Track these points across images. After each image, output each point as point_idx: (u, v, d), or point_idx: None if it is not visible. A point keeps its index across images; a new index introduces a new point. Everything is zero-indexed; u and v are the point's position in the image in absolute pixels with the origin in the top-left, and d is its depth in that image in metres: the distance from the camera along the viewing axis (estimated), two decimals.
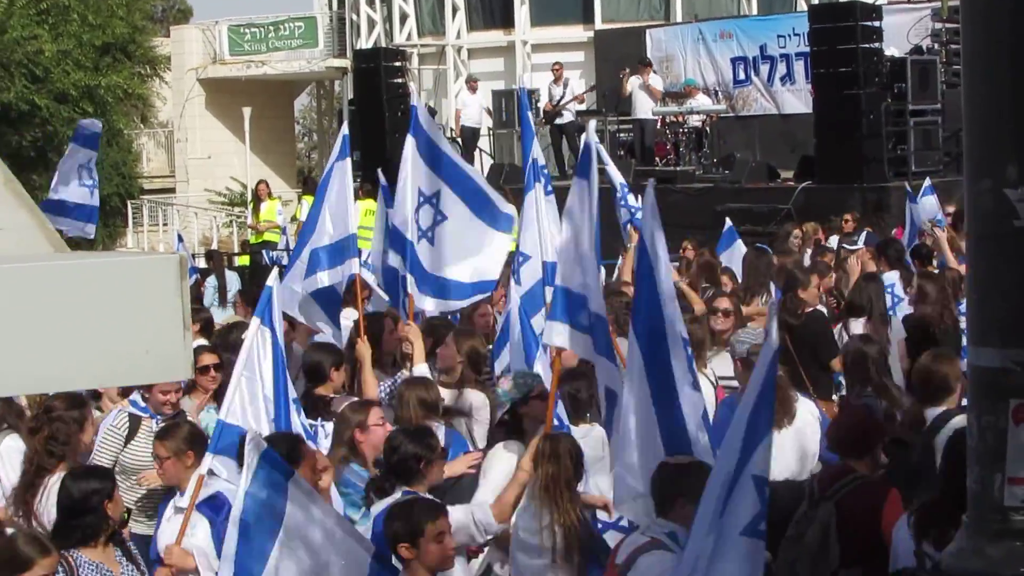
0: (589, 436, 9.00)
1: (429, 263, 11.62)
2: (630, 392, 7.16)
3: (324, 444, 9.18)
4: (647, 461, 6.99)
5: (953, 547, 4.84)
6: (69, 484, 7.54)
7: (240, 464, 7.32)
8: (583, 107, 29.89)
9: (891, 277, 13.84)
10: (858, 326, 12.22)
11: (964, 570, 4.75)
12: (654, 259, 7.21)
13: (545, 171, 12.02)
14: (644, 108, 27.41)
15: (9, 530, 8.09)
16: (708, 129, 27.15)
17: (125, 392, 10.11)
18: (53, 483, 8.27)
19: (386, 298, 12.51)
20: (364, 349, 10.86)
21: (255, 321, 8.85)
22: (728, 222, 17.08)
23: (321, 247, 11.77)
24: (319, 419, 9.72)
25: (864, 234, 18.45)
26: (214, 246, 37.01)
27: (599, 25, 36.17)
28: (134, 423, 9.68)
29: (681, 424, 7.11)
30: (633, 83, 27.60)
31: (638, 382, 7.13)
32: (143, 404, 9.78)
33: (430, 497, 7.56)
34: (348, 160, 11.96)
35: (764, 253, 15.34)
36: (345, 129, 12.47)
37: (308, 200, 29.00)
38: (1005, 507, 4.67)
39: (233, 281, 20.87)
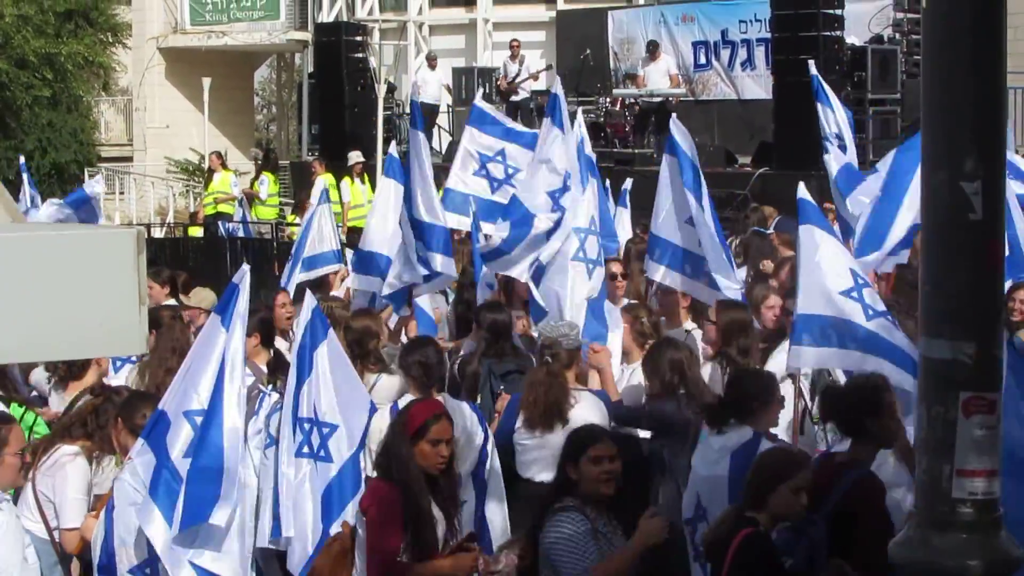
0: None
1: None
2: None
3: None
4: None
5: (901, 536, 4.88)
6: None
7: None
8: (540, 86, 29.86)
9: None
10: None
11: (909, 560, 4.78)
12: None
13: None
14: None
15: None
16: None
17: None
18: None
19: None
20: None
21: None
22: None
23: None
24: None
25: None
26: (170, 216, 36.87)
27: (561, 5, 36.01)
28: None
29: None
30: (648, 63, 27.61)
31: None
32: None
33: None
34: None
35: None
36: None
37: (268, 176, 28.94)
38: (953, 499, 4.70)
39: None
